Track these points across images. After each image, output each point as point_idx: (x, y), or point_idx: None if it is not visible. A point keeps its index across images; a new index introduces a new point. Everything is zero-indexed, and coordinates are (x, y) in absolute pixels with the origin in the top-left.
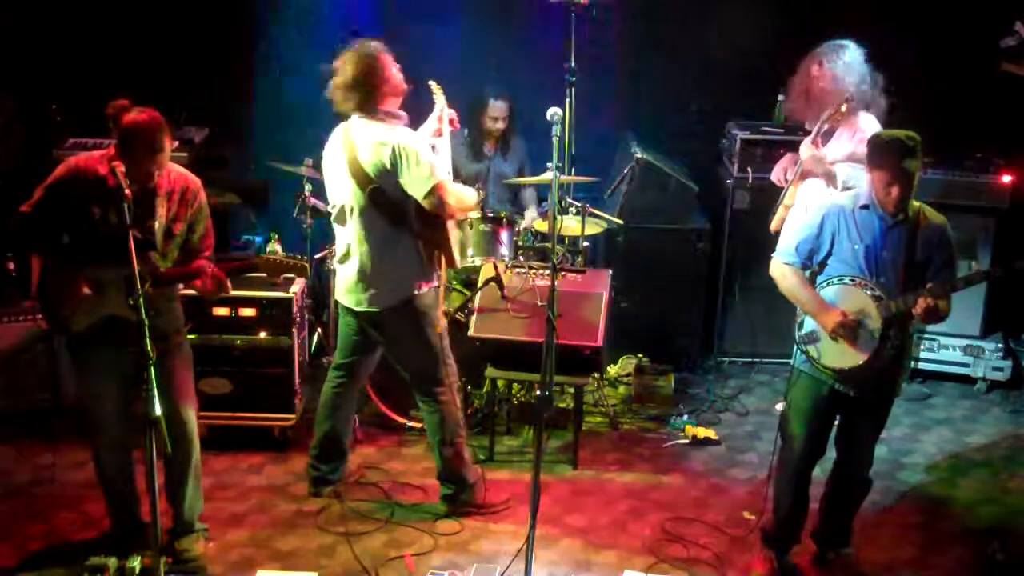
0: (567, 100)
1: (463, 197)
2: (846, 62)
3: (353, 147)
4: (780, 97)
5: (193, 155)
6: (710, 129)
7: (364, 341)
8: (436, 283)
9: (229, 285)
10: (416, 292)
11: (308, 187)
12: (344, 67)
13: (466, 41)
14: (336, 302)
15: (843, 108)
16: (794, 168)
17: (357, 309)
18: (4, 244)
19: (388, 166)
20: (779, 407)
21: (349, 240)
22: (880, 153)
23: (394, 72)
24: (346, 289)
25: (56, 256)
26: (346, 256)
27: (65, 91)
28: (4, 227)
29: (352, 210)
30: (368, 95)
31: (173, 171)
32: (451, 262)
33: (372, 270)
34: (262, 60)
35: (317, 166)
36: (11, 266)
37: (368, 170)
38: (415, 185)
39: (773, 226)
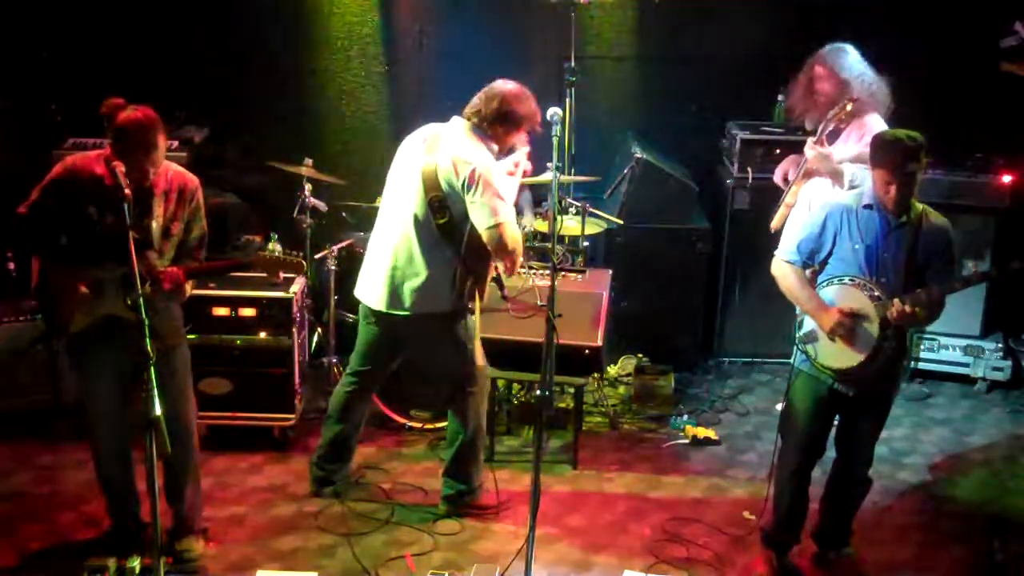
0: (567, 100)
1: (519, 246)
2: (849, 64)
3: (435, 151)
4: (780, 97)
5: (193, 155)
6: (710, 129)
7: (385, 351)
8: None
9: (187, 289)
10: (447, 308)
11: (308, 187)
12: (506, 88)
13: (466, 41)
14: (360, 308)
15: (848, 107)
16: (796, 169)
17: (382, 310)
18: (3, 244)
19: (460, 184)
20: (779, 407)
21: (390, 237)
22: (881, 152)
23: (521, 130)
24: (372, 286)
25: (54, 257)
26: (381, 253)
27: (65, 91)
28: (2, 228)
29: (408, 210)
30: (495, 118)
31: (170, 170)
32: (481, 296)
33: (407, 273)
34: (263, 60)
35: (317, 166)
36: (11, 266)
37: (440, 179)
38: (481, 213)
39: (774, 224)
